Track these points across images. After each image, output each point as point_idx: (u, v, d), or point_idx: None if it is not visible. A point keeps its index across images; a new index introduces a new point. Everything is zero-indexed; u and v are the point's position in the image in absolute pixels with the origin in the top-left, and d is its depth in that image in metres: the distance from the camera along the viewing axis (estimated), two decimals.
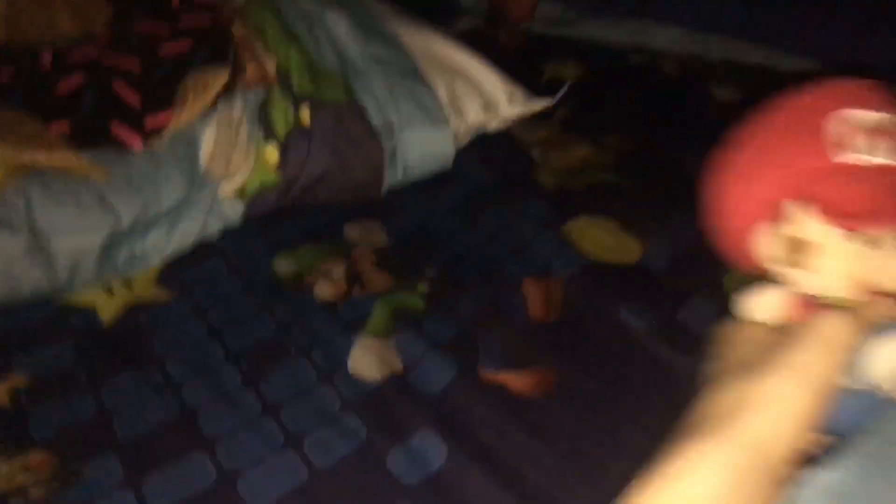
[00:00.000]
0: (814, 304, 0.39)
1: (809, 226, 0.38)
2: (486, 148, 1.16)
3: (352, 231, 0.98)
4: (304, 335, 0.81)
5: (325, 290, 0.87)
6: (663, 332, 0.79)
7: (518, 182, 1.10)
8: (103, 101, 0.83)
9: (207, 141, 0.93)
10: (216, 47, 0.95)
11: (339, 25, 1.07)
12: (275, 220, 0.98)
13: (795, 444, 0.34)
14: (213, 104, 0.93)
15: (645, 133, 1.25)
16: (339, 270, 0.89)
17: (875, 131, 0.39)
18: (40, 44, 0.90)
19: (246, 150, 0.95)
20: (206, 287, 0.87)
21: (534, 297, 0.86)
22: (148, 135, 0.89)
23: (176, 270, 0.90)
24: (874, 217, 0.37)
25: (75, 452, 0.69)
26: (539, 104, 1.17)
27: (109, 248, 0.85)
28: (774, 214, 0.40)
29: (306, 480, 0.67)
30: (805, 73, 1.44)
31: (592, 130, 1.23)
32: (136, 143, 0.88)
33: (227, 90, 0.95)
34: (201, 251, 0.93)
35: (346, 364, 0.77)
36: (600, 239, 0.95)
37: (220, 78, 0.94)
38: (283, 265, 0.90)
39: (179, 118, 0.90)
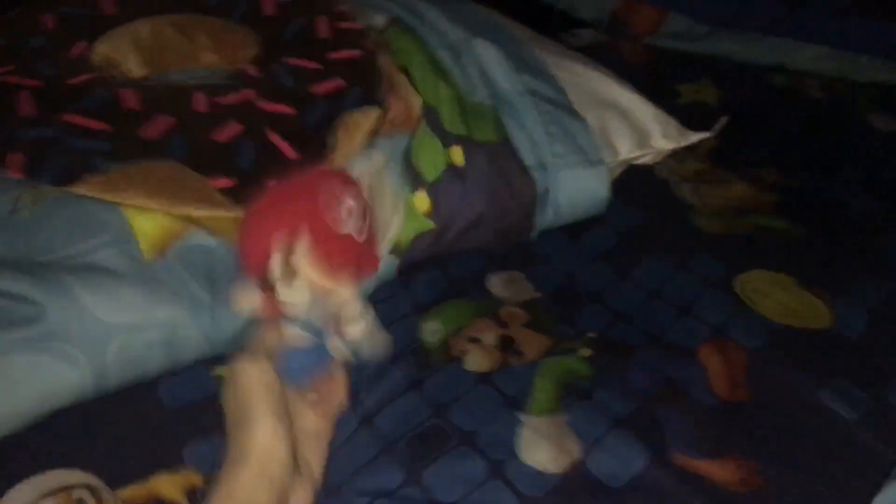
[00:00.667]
0: (279, 309, 0.60)
1: (301, 260, 0.59)
2: (629, 185, 1.09)
3: (496, 284, 0.91)
4: (463, 415, 0.74)
5: (477, 359, 0.80)
6: (876, 420, 0.71)
7: (673, 226, 1.02)
8: (261, 154, 0.78)
9: None
10: (368, 85, 0.89)
11: (489, 54, 1.00)
12: (417, 270, 0.92)
13: None
14: (363, 148, 0.87)
15: (802, 167, 1.15)
16: (489, 335, 0.83)
17: (349, 211, 0.62)
18: (191, 85, 0.85)
19: (394, 200, 0.89)
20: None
21: (715, 369, 0.78)
22: None
23: None
24: (331, 274, 0.60)
25: None
26: (695, 137, 1.09)
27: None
28: (287, 246, 0.59)
29: None
30: None
31: (745, 164, 1.15)
32: None
33: (375, 132, 0.90)
34: None
35: (516, 452, 0.70)
36: (780, 298, 0.87)
37: (371, 117, 0.88)
38: (430, 329, 0.84)
39: (333, 166, 0.84)
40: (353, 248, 0.63)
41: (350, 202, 0.63)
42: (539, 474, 0.68)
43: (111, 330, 0.68)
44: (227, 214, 0.73)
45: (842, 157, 1.18)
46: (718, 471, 0.68)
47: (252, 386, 0.54)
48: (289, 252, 0.59)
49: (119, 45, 0.89)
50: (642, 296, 0.89)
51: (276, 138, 0.80)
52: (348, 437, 0.72)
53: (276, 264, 0.59)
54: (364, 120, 0.88)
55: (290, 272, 0.59)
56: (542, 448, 0.70)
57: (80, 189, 0.72)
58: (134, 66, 0.90)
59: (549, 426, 0.72)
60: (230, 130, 0.78)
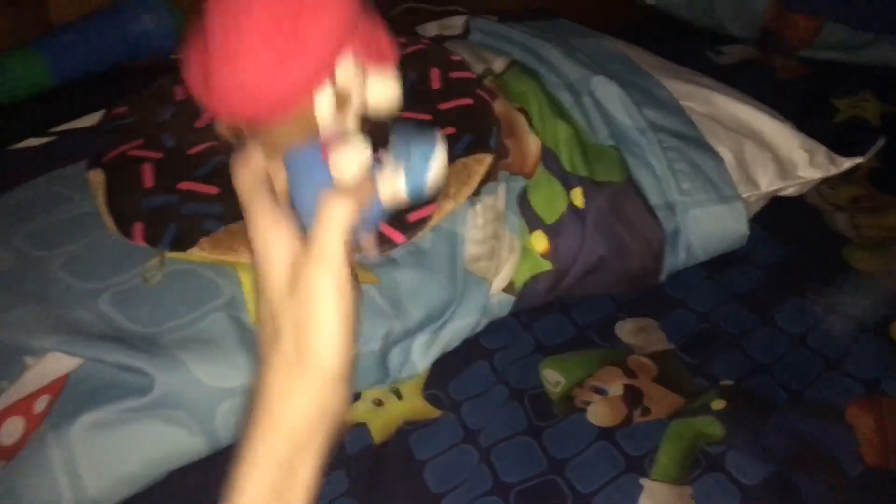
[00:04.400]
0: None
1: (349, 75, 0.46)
2: (779, 219, 1.00)
3: (625, 331, 0.86)
4: (580, 474, 0.70)
5: (600, 413, 0.76)
6: None
7: (823, 262, 0.93)
8: None
9: (472, 234, 0.86)
10: (480, 131, 0.88)
11: (610, 92, 0.96)
12: (540, 313, 0.89)
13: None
14: (476, 193, 0.86)
15: None
16: (616, 387, 0.78)
17: None
18: None
19: (510, 241, 0.87)
20: (473, 401, 0.80)
21: (865, 432, 0.70)
22: (410, 227, 0.83)
23: (441, 378, 0.83)
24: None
25: None
26: (847, 164, 0.99)
27: (382, 356, 0.80)
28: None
29: None
30: None
31: None
32: (398, 238, 0.83)
33: (489, 176, 0.88)
34: (465, 350, 0.86)
35: None
36: None
37: (484, 162, 0.87)
38: (552, 376, 0.81)
39: (444, 209, 0.84)
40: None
41: None
42: None
43: (218, 393, 0.70)
44: None
45: None
46: None
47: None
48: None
49: None
50: (785, 343, 0.82)
51: None
52: (459, 450, 0.73)
53: (324, 104, 0.46)
54: (476, 165, 0.86)
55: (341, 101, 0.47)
56: None
57: (197, 252, 0.76)
58: None
59: (670, 495, 0.67)
60: None
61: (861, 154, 1.00)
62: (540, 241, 0.88)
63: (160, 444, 0.69)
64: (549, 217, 0.89)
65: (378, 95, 0.50)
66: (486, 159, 0.87)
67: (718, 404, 0.75)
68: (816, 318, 0.84)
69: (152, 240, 0.78)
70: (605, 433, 0.74)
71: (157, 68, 1.35)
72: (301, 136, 0.46)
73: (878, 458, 0.67)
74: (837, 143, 1.04)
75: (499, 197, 0.88)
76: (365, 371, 0.79)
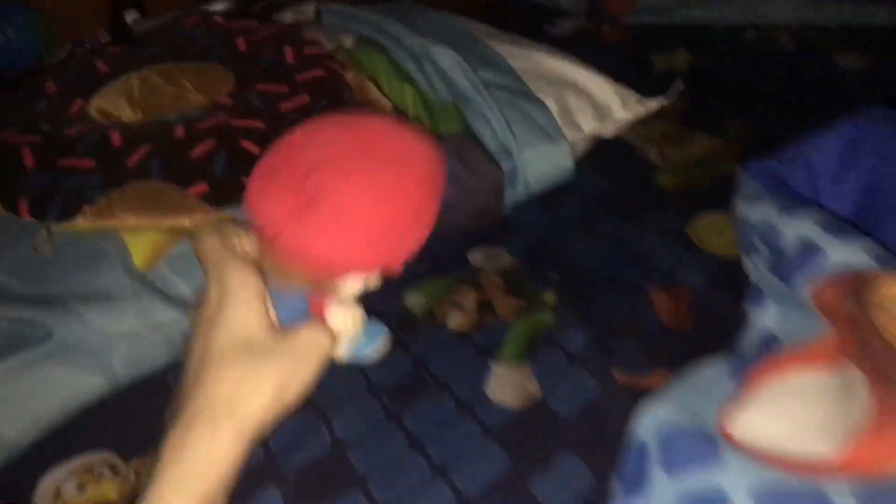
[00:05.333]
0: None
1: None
2: (601, 155, 1.16)
3: (476, 258, 0.99)
4: (440, 366, 0.84)
5: (457, 321, 0.89)
6: None
7: (637, 187, 1.09)
8: (234, 159, 0.89)
9: None
10: (333, 97, 0.99)
11: (446, 58, 1.09)
12: None
13: None
14: None
15: (768, 116, 1.21)
16: (469, 300, 0.92)
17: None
18: (172, 120, 0.97)
19: None
20: None
21: (661, 306, 0.85)
22: None
23: None
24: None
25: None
26: (653, 104, 1.16)
27: None
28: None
29: None
30: None
31: (712, 120, 1.20)
32: None
33: None
34: None
35: (484, 393, 0.79)
36: (728, 236, 0.93)
37: None
38: (414, 300, 0.93)
39: None
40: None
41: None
42: (502, 410, 0.77)
43: (114, 337, 0.79)
44: (206, 217, 0.85)
45: (809, 101, 1.23)
46: (658, 385, 0.75)
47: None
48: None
49: (113, 99, 1.01)
50: (604, 251, 0.97)
51: (248, 145, 0.91)
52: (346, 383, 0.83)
53: (350, 288, 0.52)
54: None
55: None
56: (505, 389, 0.79)
57: (81, 222, 0.84)
58: (127, 115, 1.02)
59: (513, 371, 0.81)
60: (205, 146, 0.89)
61: (665, 95, 1.18)
62: None
63: (63, 386, 0.77)
64: None
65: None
66: None
67: (550, 298, 0.89)
68: (628, 229, 0.99)
69: (39, 214, 0.86)
70: (462, 336, 0.87)
71: (24, 79, 1.41)
72: (306, 285, 0.50)
73: (673, 322, 0.83)
74: (658, 91, 1.21)
75: None
76: None
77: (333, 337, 0.47)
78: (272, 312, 0.46)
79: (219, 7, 1.28)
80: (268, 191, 0.48)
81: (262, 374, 0.42)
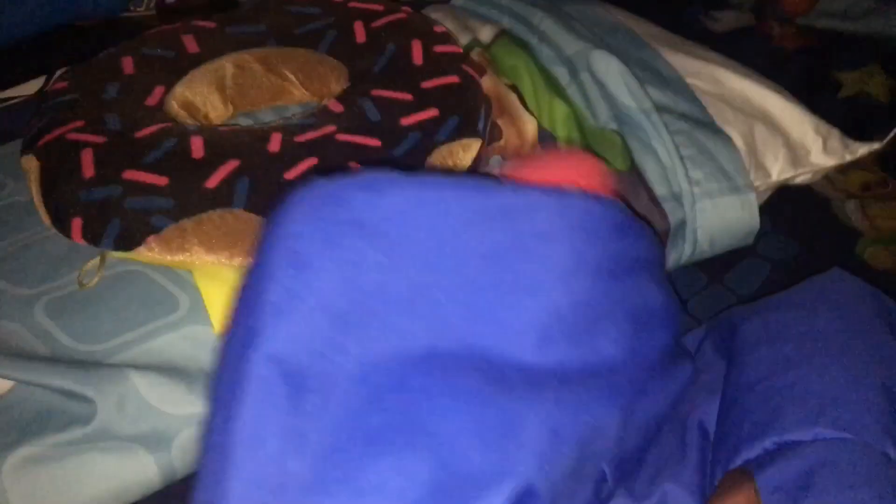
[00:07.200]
0: None
1: None
2: (781, 207, 0.93)
3: None
4: None
5: None
6: None
7: (835, 260, 0.85)
8: None
9: None
10: (467, 113, 0.78)
11: (611, 69, 0.86)
12: None
13: None
14: None
15: None
16: None
17: None
18: (267, 125, 0.78)
19: None
20: None
21: None
22: None
23: None
24: None
25: None
26: (862, 150, 0.91)
27: None
28: None
29: None
30: None
31: None
32: None
33: (477, 163, 0.79)
34: None
35: None
36: None
37: (471, 148, 0.78)
38: None
39: None
40: None
41: None
42: None
43: (175, 422, 0.61)
44: None
45: None
46: None
47: None
48: None
49: (200, 88, 0.82)
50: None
51: (357, 168, 0.71)
52: None
53: None
54: (463, 151, 0.77)
55: None
56: None
57: (142, 253, 0.66)
58: (216, 109, 0.83)
59: None
60: (304, 167, 0.70)
61: (873, 137, 0.93)
62: None
63: (106, 479, 0.60)
64: None
65: None
66: (474, 145, 0.78)
67: None
68: None
69: (94, 238, 0.68)
70: None
71: (106, 28, 1.24)
72: None
73: None
74: (842, 122, 0.97)
75: None
76: None
77: None
78: None
79: None
80: None
81: None
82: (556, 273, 0.51)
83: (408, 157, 0.75)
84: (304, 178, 0.72)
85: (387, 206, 0.50)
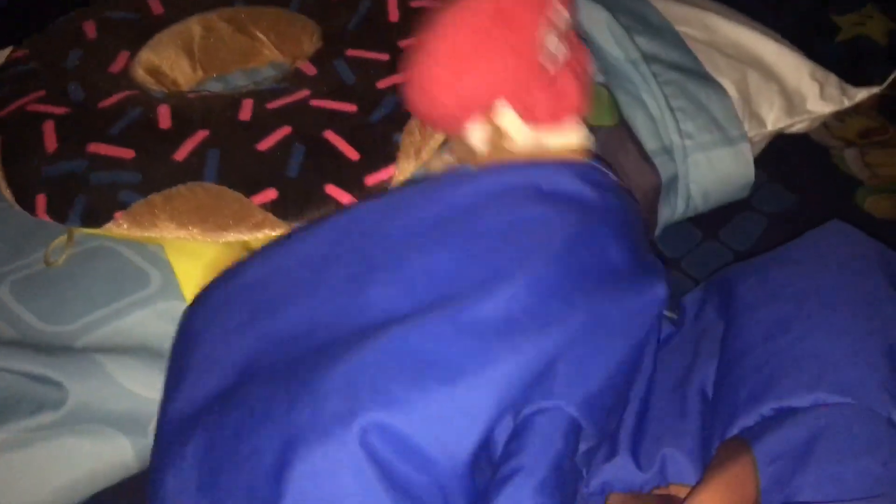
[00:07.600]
0: None
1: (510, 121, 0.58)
2: (778, 157, 0.89)
3: None
4: None
5: None
6: None
7: (834, 210, 0.83)
8: (314, 158, 0.67)
9: None
10: None
11: (596, 17, 0.83)
12: None
13: None
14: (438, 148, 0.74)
15: None
16: None
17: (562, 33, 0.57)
18: (238, 91, 0.74)
19: None
20: None
21: None
22: (366, 192, 0.71)
23: None
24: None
25: None
26: (861, 95, 0.88)
27: None
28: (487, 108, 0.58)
29: None
30: None
31: None
32: (346, 200, 0.71)
33: None
34: None
35: None
36: None
37: None
38: None
39: (404, 171, 0.71)
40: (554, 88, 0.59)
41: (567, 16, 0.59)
42: None
43: (150, 405, 0.59)
44: (269, 235, 0.63)
45: None
46: None
47: None
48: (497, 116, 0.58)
49: (166, 52, 0.78)
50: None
51: (332, 137, 0.68)
52: None
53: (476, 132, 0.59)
54: None
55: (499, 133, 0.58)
56: None
57: (111, 229, 0.64)
58: (184, 74, 0.79)
59: None
60: (277, 136, 0.67)
61: (872, 82, 0.90)
62: None
63: (81, 463, 0.58)
64: None
65: (562, 143, 0.61)
66: None
67: None
68: None
69: (59, 215, 0.65)
70: None
71: None
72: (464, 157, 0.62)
73: None
74: (840, 66, 0.94)
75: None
76: None
77: None
78: None
79: None
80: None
81: None
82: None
83: (384, 123, 0.72)
84: (278, 148, 0.69)
85: None
